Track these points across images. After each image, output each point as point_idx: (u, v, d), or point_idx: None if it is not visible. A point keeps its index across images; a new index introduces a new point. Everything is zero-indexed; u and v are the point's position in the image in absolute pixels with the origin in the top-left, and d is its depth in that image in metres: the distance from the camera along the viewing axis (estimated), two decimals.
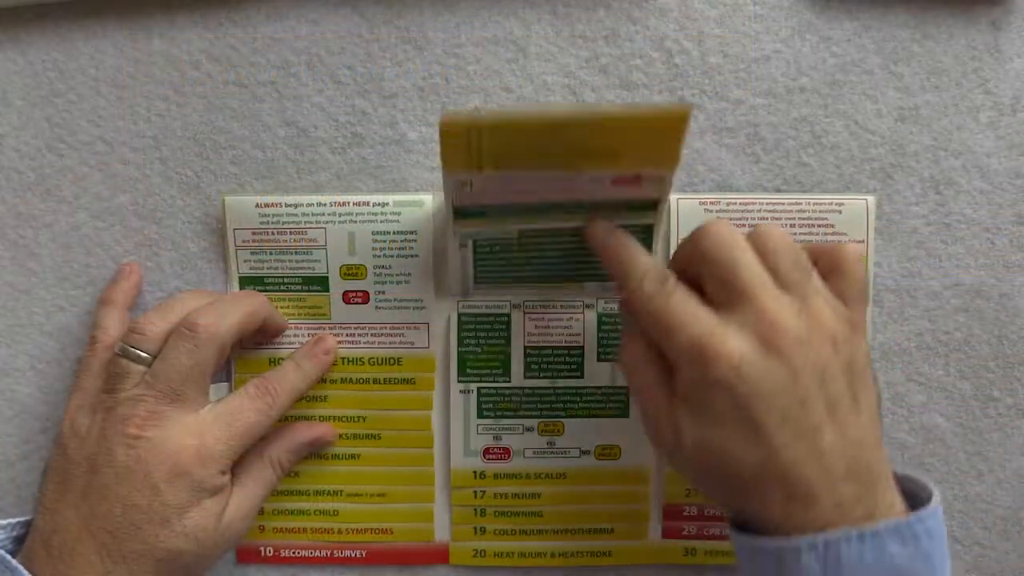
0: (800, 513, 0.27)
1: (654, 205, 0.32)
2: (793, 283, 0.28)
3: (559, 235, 0.35)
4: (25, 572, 0.29)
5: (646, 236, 0.34)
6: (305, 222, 0.36)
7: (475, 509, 0.38)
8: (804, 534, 0.27)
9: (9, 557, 0.30)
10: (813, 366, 0.27)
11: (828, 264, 0.30)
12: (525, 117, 0.28)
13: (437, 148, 0.36)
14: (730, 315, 0.28)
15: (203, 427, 0.32)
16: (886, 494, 0.28)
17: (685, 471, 0.31)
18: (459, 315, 0.37)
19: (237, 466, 0.34)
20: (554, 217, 0.33)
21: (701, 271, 0.29)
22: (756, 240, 0.29)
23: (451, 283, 0.36)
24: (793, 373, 0.27)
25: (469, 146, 0.28)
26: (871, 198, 0.37)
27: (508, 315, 0.37)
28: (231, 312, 0.33)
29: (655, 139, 0.28)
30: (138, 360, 0.32)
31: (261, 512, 0.37)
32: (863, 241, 0.37)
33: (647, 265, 0.30)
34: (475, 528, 0.38)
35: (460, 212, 0.32)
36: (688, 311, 0.28)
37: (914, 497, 0.29)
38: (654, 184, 0.31)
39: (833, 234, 0.36)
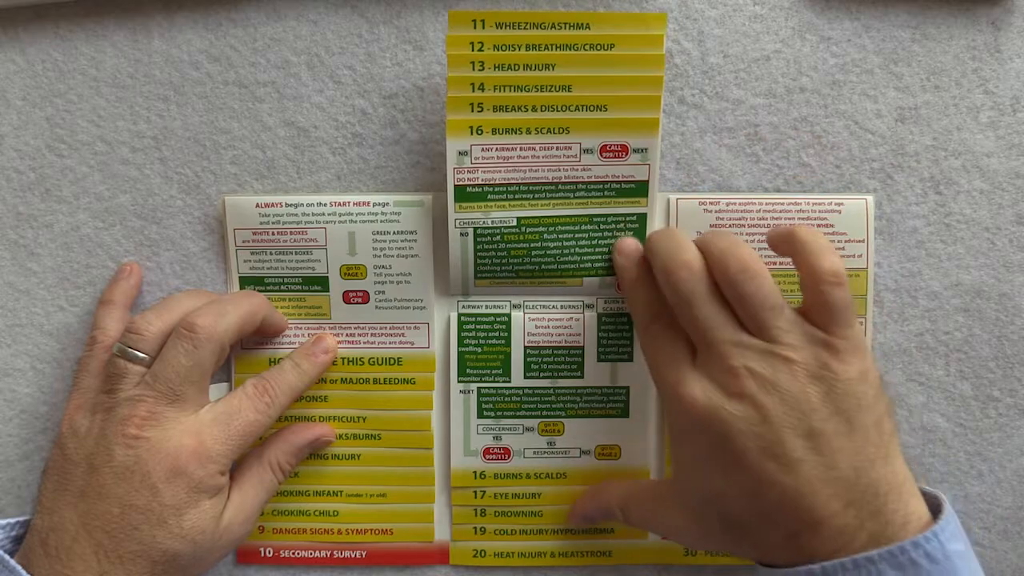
0: (802, 546, 0.27)
1: (645, 191, 0.35)
2: (759, 325, 0.29)
3: (558, 226, 0.35)
4: (23, 571, 0.29)
5: (639, 227, 0.36)
6: (305, 222, 0.36)
7: (475, 509, 0.38)
8: (808, 564, 0.27)
9: (7, 556, 0.30)
10: (784, 404, 0.27)
11: (805, 279, 0.29)
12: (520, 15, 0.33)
13: (440, 139, 0.36)
14: (698, 357, 0.29)
15: (201, 427, 0.32)
16: (898, 511, 0.27)
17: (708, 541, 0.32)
18: (459, 315, 0.37)
19: (237, 470, 0.34)
20: (552, 201, 0.35)
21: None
22: (727, 281, 0.29)
23: (451, 278, 0.36)
24: (762, 414, 0.27)
25: (472, 82, 0.33)
26: (871, 198, 0.37)
27: (508, 315, 0.37)
28: (230, 312, 0.33)
29: (637, 61, 0.33)
30: (136, 360, 0.32)
31: (261, 513, 0.37)
32: (863, 241, 0.37)
33: (648, 299, 0.33)
34: (475, 528, 0.38)
35: (461, 194, 0.34)
36: (666, 356, 0.30)
37: (937, 510, 0.28)
38: (640, 156, 0.34)
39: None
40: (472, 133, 0.34)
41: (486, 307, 0.37)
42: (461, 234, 0.35)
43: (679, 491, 0.31)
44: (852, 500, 0.27)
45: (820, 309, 0.29)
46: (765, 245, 0.32)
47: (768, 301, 0.29)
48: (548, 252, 0.36)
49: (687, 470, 0.30)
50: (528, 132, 0.34)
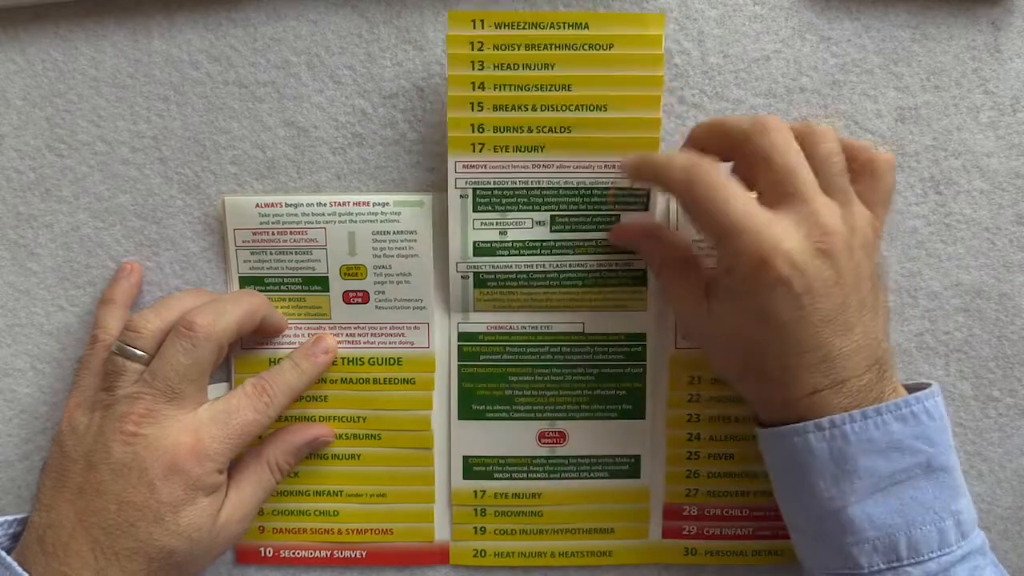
0: (819, 403, 0.29)
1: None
2: (837, 189, 0.30)
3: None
4: (19, 568, 0.29)
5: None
6: (305, 222, 0.36)
7: (475, 509, 0.38)
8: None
9: (3, 554, 0.30)
10: (853, 270, 0.29)
11: (861, 166, 0.31)
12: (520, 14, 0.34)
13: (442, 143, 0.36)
14: (784, 214, 0.29)
15: (199, 425, 0.32)
16: (892, 380, 0.30)
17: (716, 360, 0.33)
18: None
19: (235, 468, 0.34)
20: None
21: (756, 168, 0.30)
22: (807, 141, 0.30)
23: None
24: (838, 275, 0.29)
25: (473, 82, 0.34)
26: None
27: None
28: (229, 311, 0.33)
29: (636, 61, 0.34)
30: (134, 358, 0.32)
31: (261, 513, 0.37)
32: None
33: (691, 157, 0.30)
34: (475, 528, 0.38)
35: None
36: (741, 211, 0.29)
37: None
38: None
39: None
40: (473, 131, 0.34)
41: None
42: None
43: (715, 319, 0.31)
44: (871, 364, 0.29)
45: (872, 187, 0.31)
46: None
47: (844, 168, 0.30)
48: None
49: (737, 321, 0.30)
50: (529, 130, 0.34)
